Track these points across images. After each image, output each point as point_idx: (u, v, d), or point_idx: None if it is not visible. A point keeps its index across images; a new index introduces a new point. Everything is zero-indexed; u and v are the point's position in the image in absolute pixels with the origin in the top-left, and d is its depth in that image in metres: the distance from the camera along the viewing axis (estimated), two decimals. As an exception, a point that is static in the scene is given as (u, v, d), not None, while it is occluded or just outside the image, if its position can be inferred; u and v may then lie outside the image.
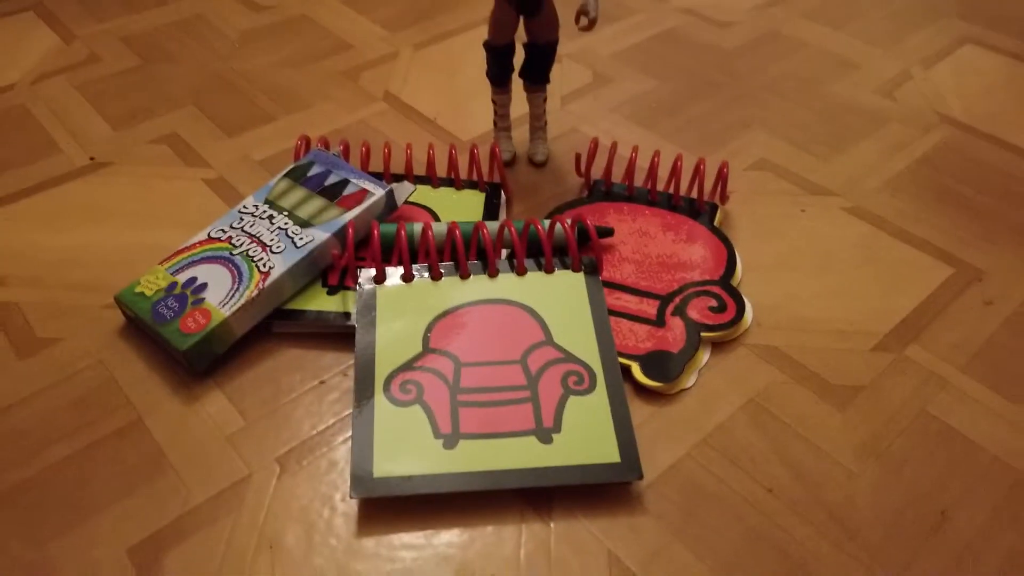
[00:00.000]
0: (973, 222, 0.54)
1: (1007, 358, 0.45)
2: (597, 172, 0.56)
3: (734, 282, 0.48)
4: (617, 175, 0.56)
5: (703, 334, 0.44)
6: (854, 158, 0.59)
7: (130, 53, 0.72)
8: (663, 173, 0.56)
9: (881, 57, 0.71)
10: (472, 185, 0.54)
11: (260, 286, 0.44)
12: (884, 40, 0.73)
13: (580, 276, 0.45)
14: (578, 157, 0.56)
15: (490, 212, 0.53)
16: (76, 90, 0.67)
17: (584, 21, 0.50)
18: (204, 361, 0.43)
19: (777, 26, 0.75)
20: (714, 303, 0.46)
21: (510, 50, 0.55)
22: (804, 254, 0.51)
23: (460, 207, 0.53)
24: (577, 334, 0.42)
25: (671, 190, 0.53)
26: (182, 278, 0.45)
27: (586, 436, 0.38)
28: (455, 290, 0.45)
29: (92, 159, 0.59)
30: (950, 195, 0.56)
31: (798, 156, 0.59)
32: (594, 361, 0.41)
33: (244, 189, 0.56)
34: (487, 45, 0.55)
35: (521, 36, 0.54)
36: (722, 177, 0.53)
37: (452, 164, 0.54)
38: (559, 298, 0.44)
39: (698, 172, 0.52)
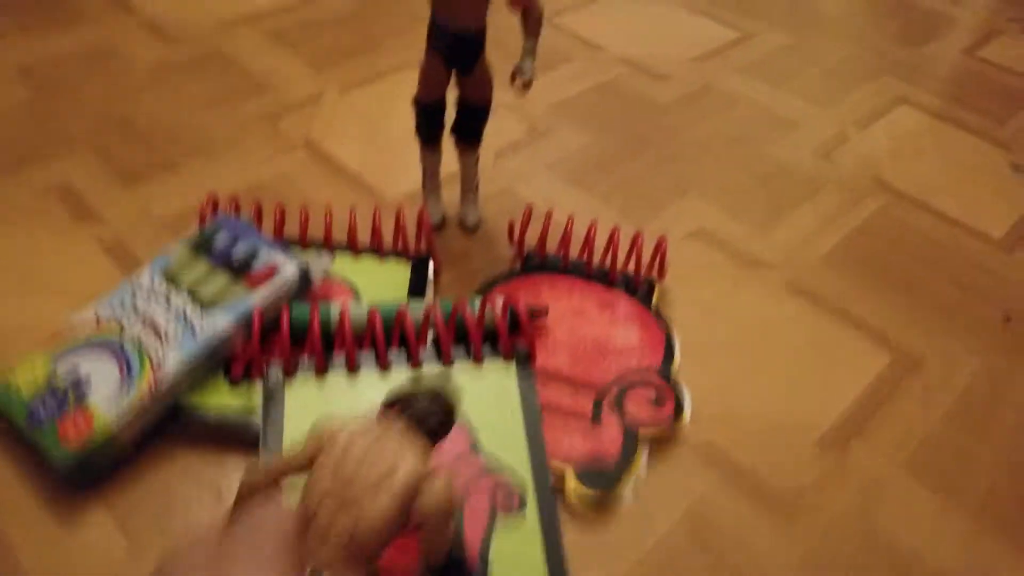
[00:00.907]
0: (908, 299, 0.53)
1: (950, 457, 0.43)
2: (531, 240, 0.53)
3: (672, 368, 0.45)
4: (552, 242, 0.53)
5: (641, 431, 0.41)
6: (791, 227, 0.58)
7: (22, 86, 0.65)
8: (600, 241, 0.53)
9: (817, 116, 0.70)
10: (398, 255, 0.51)
11: (152, 386, 0.39)
12: (821, 99, 0.72)
13: (512, 368, 0.42)
14: (511, 225, 0.52)
15: (417, 285, 0.49)
16: (-42, 128, 0.61)
17: (519, 81, 0.47)
18: (86, 478, 0.38)
19: (713, 80, 0.74)
20: (653, 395, 0.43)
21: (440, 107, 0.52)
22: (743, 334, 0.49)
23: (384, 280, 0.49)
24: (507, 439, 0.39)
25: (607, 263, 0.51)
26: (62, 368, 0.40)
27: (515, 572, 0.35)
28: (373, 387, 0.41)
29: (-29, 212, 0.53)
30: (886, 268, 0.55)
31: (735, 225, 0.57)
32: (525, 470, 0.38)
33: (141, 252, 0.51)
34: (416, 102, 0.51)
35: (454, 90, 0.51)
36: (660, 253, 0.50)
37: (376, 231, 0.51)
38: (488, 396, 0.40)
39: (635, 246, 0.50)
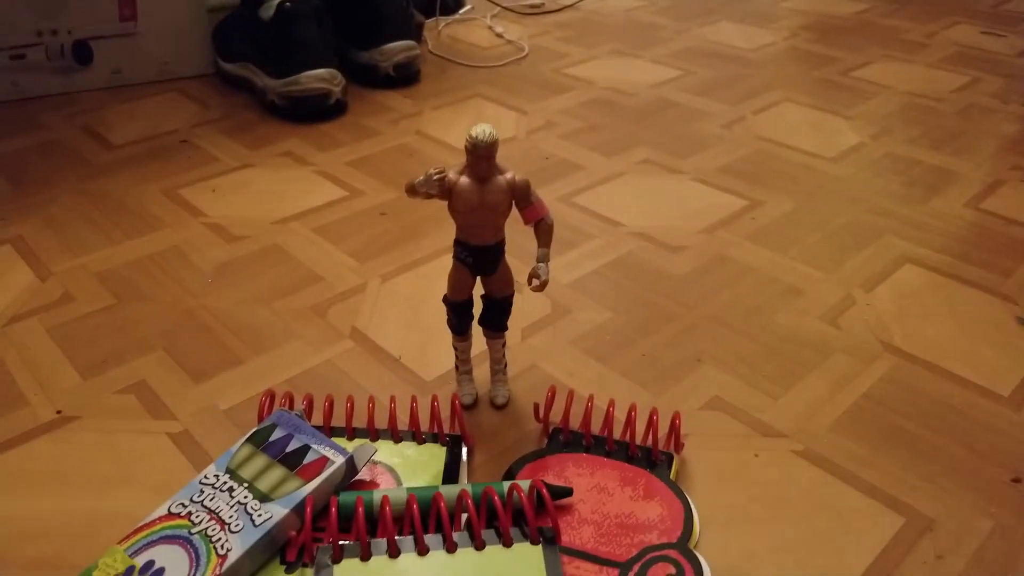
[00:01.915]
0: (919, 463, 0.56)
1: (964, 622, 0.45)
2: (556, 416, 0.58)
3: (691, 543, 0.49)
4: (575, 420, 0.57)
5: (661, 608, 0.44)
6: (802, 395, 0.62)
7: (104, 291, 0.74)
8: (620, 415, 0.57)
9: (823, 282, 0.75)
10: (434, 438, 0.56)
11: (217, 572, 0.44)
12: (825, 263, 0.78)
13: (538, 550, 0.46)
14: (536, 406, 0.57)
15: (451, 466, 0.54)
16: (48, 333, 0.69)
17: (536, 283, 0.54)
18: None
19: (724, 249, 0.80)
20: (673, 571, 0.46)
21: (468, 305, 0.58)
22: (758, 504, 0.52)
23: (421, 463, 0.54)
24: (534, 621, 0.42)
25: (627, 439, 0.55)
26: (140, 560, 0.45)
27: None
28: (413, 570, 0.45)
29: (59, 412, 0.60)
30: (896, 434, 0.58)
31: (749, 394, 0.61)
32: (551, 653, 0.41)
33: (208, 445, 0.57)
34: (446, 301, 0.58)
35: (480, 288, 0.57)
36: (675, 429, 0.54)
37: (413, 417, 0.56)
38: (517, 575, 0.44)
39: (651, 423, 0.54)
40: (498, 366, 0.61)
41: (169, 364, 0.65)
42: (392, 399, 0.57)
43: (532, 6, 1.57)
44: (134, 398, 0.62)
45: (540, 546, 0.46)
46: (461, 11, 1.53)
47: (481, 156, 0.51)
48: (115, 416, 0.60)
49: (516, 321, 0.67)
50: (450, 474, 0.53)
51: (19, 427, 0.59)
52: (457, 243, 0.55)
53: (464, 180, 0.52)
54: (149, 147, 1.02)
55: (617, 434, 0.56)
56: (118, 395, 0.62)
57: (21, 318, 0.71)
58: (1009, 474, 0.55)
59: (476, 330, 0.59)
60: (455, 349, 0.61)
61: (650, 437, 0.55)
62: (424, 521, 0.47)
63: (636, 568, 0.47)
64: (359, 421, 0.57)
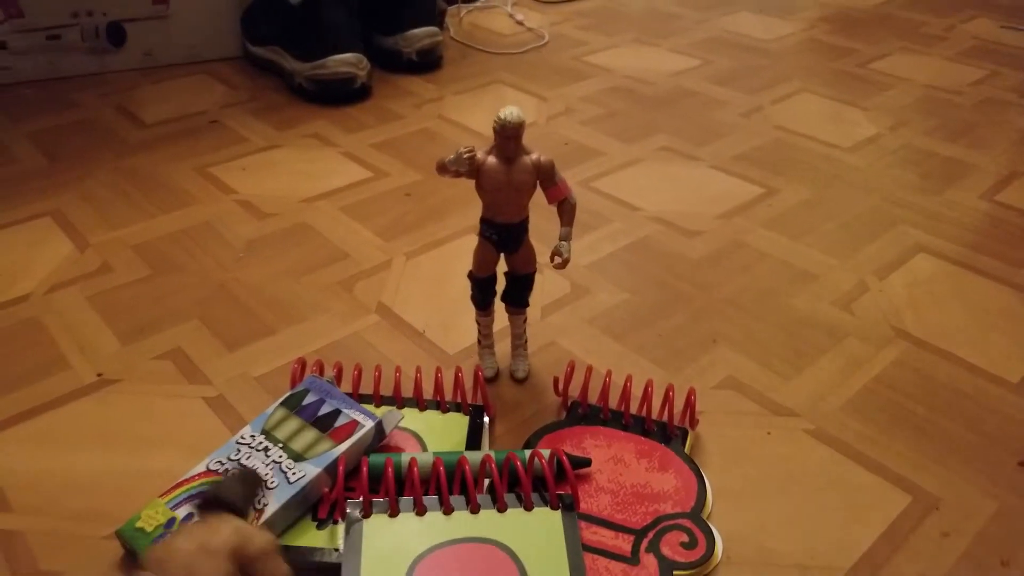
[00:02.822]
0: (927, 444, 0.57)
1: (964, 592, 0.47)
2: (575, 390, 0.60)
3: (704, 513, 0.51)
4: (594, 394, 0.59)
5: (675, 573, 0.47)
6: (814, 376, 0.63)
7: (141, 263, 0.77)
8: (636, 392, 0.59)
9: (837, 268, 0.77)
10: (457, 407, 0.58)
11: (255, 525, 0.47)
12: (840, 251, 0.79)
13: (558, 515, 0.48)
14: (556, 380, 0.60)
15: (473, 434, 0.56)
16: (88, 301, 0.71)
17: (558, 260, 0.56)
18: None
19: (740, 235, 0.82)
20: (685, 538, 0.49)
21: (492, 281, 0.60)
22: (770, 479, 0.54)
23: (445, 430, 0.56)
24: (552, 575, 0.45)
25: (643, 414, 0.57)
26: (181, 513, 0.48)
27: None
28: (438, 526, 0.47)
29: (100, 375, 0.63)
30: (905, 415, 0.60)
31: (762, 374, 0.63)
32: (569, 606, 0.43)
33: (241, 409, 0.60)
34: (471, 276, 0.60)
35: (503, 265, 0.60)
36: (690, 404, 0.56)
37: (438, 387, 0.58)
38: (537, 538, 0.47)
39: (667, 399, 0.56)
40: (519, 341, 0.63)
41: (204, 333, 0.67)
42: (418, 369, 0.59)
43: (554, -6, 1.58)
44: (171, 364, 0.64)
45: (559, 511, 0.48)
46: (484, -2, 1.55)
47: (509, 137, 0.53)
48: (153, 380, 0.63)
49: (536, 300, 0.69)
50: (473, 441, 0.55)
51: (62, 388, 0.62)
52: (483, 221, 0.58)
53: (491, 160, 0.55)
54: (180, 127, 1.05)
55: (633, 409, 0.58)
56: (156, 360, 0.64)
57: (62, 286, 0.73)
58: (1015, 457, 0.57)
59: (498, 307, 0.62)
60: (478, 324, 0.63)
61: (666, 412, 0.57)
62: (449, 483, 0.50)
63: (650, 535, 0.49)
64: (386, 389, 0.59)
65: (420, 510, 0.48)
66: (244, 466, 0.40)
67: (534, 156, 0.55)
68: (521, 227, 0.58)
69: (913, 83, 1.20)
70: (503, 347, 0.65)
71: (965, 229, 0.83)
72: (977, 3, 1.57)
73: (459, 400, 0.58)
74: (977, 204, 0.88)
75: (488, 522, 0.48)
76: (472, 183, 0.56)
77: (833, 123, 1.07)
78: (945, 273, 0.76)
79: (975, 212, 0.86)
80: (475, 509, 0.48)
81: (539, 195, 0.56)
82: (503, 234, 0.57)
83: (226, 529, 0.34)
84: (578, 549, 0.46)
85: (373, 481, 0.50)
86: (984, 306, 0.72)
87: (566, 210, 0.56)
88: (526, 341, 0.64)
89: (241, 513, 0.37)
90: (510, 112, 0.53)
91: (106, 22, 1.19)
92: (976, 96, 1.15)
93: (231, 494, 0.38)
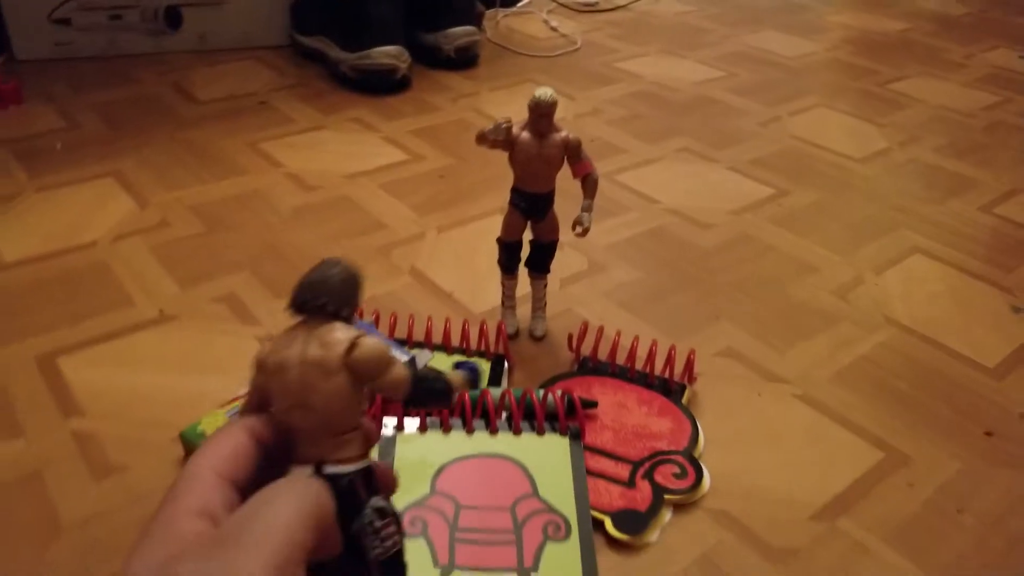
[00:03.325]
0: (905, 413, 0.63)
1: (924, 533, 0.53)
2: (586, 349, 0.66)
3: (696, 453, 0.57)
4: (603, 353, 0.66)
5: (666, 496, 0.53)
6: (806, 351, 0.69)
7: (197, 220, 0.84)
8: (642, 353, 0.66)
9: (838, 263, 0.82)
10: (480, 354, 0.65)
11: (300, 434, 0.53)
12: (841, 248, 0.85)
13: (565, 441, 0.54)
14: (570, 337, 0.66)
15: (495, 378, 0.62)
16: (149, 250, 0.79)
17: (579, 229, 0.62)
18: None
19: (750, 230, 0.88)
20: (677, 470, 0.55)
21: (518, 246, 0.67)
22: (757, 432, 0.60)
23: (469, 374, 0.62)
24: (559, 490, 0.51)
25: (647, 370, 0.63)
26: (234, 422, 0.55)
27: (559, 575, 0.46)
28: (461, 443, 0.54)
29: (161, 312, 0.70)
30: (887, 388, 0.66)
31: (758, 346, 0.69)
32: (571, 514, 0.50)
33: (287, 347, 0.66)
34: (500, 241, 0.67)
35: (529, 234, 0.66)
36: (689, 363, 0.63)
37: (465, 336, 0.65)
38: (546, 458, 0.53)
39: (670, 357, 0.63)
40: (539, 304, 0.70)
41: (254, 282, 0.75)
42: (447, 320, 0.66)
43: (586, 4, 1.65)
44: (225, 306, 0.71)
45: (567, 438, 0.55)
46: (519, 4, 1.63)
47: (542, 114, 0.60)
48: (209, 319, 0.70)
49: (556, 273, 0.75)
50: (494, 384, 0.62)
51: (128, 320, 0.69)
52: (514, 190, 0.64)
53: (525, 134, 0.61)
54: (232, 106, 1.13)
55: (639, 366, 0.64)
56: (211, 303, 0.72)
57: (125, 236, 0.81)
58: (983, 428, 0.62)
59: (522, 275, 0.68)
60: (503, 286, 0.69)
61: (667, 370, 0.63)
62: (472, 410, 0.56)
63: (646, 466, 0.55)
64: (418, 336, 0.66)
65: (446, 428, 0.55)
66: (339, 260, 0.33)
67: (563, 133, 0.62)
68: (548, 197, 0.64)
69: (928, 104, 1.25)
70: (524, 310, 0.71)
71: (962, 236, 0.89)
72: (1001, 33, 1.62)
73: (483, 348, 0.65)
74: (976, 215, 0.94)
75: (504, 442, 0.54)
76: (507, 158, 0.63)
77: (847, 136, 1.13)
78: (939, 273, 0.82)
79: (973, 222, 0.92)
80: (494, 431, 0.55)
81: (566, 180, 0.62)
82: (531, 203, 0.64)
83: (335, 339, 0.30)
84: (582, 470, 0.53)
85: (405, 403, 0.56)
86: (972, 303, 0.77)
87: (589, 184, 0.63)
88: (545, 304, 0.70)
89: (347, 318, 0.31)
90: (544, 92, 0.60)
91: (164, 5, 1.28)
92: (987, 119, 1.21)
93: (335, 295, 0.31)
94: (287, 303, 0.31)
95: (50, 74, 1.19)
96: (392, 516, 0.31)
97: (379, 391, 0.32)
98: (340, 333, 0.30)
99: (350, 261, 0.32)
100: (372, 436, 0.33)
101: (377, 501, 0.30)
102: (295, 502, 0.27)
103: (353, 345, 0.30)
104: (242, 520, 0.26)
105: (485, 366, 0.63)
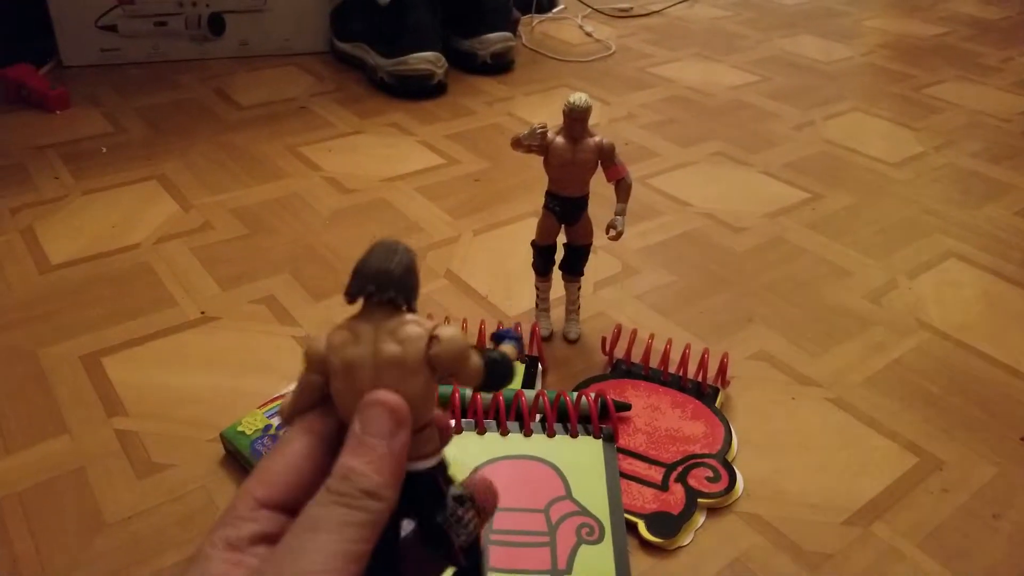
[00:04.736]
0: (939, 417, 0.63)
1: (958, 539, 0.53)
2: (620, 352, 0.67)
3: (729, 457, 0.57)
4: (636, 356, 0.66)
5: (700, 500, 0.53)
6: (839, 355, 0.69)
7: (238, 224, 0.86)
8: (675, 356, 0.66)
9: (872, 267, 0.82)
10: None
11: (339, 432, 0.55)
12: (875, 252, 0.85)
13: (599, 443, 0.55)
14: (604, 339, 0.67)
15: (528, 380, 0.63)
16: (191, 252, 0.81)
17: (612, 232, 0.63)
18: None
19: (783, 233, 0.88)
20: (711, 474, 0.55)
21: (552, 249, 0.68)
22: (791, 436, 0.61)
23: (503, 375, 0.63)
24: (593, 492, 0.52)
25: (680, 373, 0.64)
26: (276, 421, 0.56)
27: (594, 577, 0.47)
28: (496, 444, 0.55)
29: (203, 313, 0.72)
30: (920, 393, 0.66)
31: (792, 350, 0.70)
32: (604, 517, 0.50)
33: (326, 347, 0.68)
34: (534, 244, 0.68)
35: (563, 237, 0.67)
36: (723, 366, 0.63)
37: (499, 339, 0.66)
38: (580, 460, 0.54)
39: (703, 360, 0.63)
40: (572, 307, 0.71)
41: (293, 284, 0.76)
42: (482, 322, 0.67)
43: (621, 9, 1.66)
44: (265, 308, 0.73)
45: (601, 441, 0.55)
46: (554, 10, 1.64)
47: (576, 119, 0.61)
48: (250, 320, 0.71)
49: (589, 276, 0.76)
50: (528, 384, 0.63)
51: (171, 321, 0.71)
52: (548, 194, 0.65)
53: (559, 139, 0.62)
54: (272, 110, 1.15)
55: (672, 369, 0.65)
56: (252, 304, 0.73)
57: (169, 239, 0.83)
58: (1018, 434, 0.62)
59: (555, 277, 0.69)
60: (537, 289, 0.70)
61: (700, 373, 0.64)
62: (507, 412, 0.57)
63: (679, 469, 0.56)
64: (453, 339, 0.67)
65: (480, 430, 0.56)
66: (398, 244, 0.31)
67: (597, 138, 0.62)
68: (582, 201, 0.65)
69: (964, 108, 1.24)
70: (558, 312, 0.72)
71: (997, 241, 0.88)
72: (1037, 37, 1.60)
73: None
74: (1012, 220, 0.93)
75: (538, 444, 0.55)
76: (541, 162, 0.64)
77: (882, 140, 1.12)
78: (973, 277, 0.81)
79: (1009, 227, 0.91)
80: (528, 433, 0.56)
81: (600, 184, 0.63)
82: (565, 207, 0.65)
83: (410, 337, 0.28)
84: (615, 472, 0.53)
85: (440, 405, 0.58)
86: (1007, 308, 0.77)
87: (623, 188, 0.64)
88: (579, 307, 0.71)
89: (412, 307, 0.30)
90: (578, 97, 0.60)
91: (208, 12, 1.31)
92: (1024, 123, 1.20)
93: (403, 287, 0.30)
94: (345, 290, 0.30)
95: (96, 79, 1.23)
96: (470, 500, 0.30)
97: (454, 380, 0.30)
98: (416, 327, 0.29)
99: (406, 244, 0.30)
100: (446, 429, 0.32)
101: (454, 490, 0.30)
102: (336, 538, 0.25)
103: (433, 338, 0.29)
104: (281, 561, 0.25)
105: (519, 368, 0.64)
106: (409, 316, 0.31)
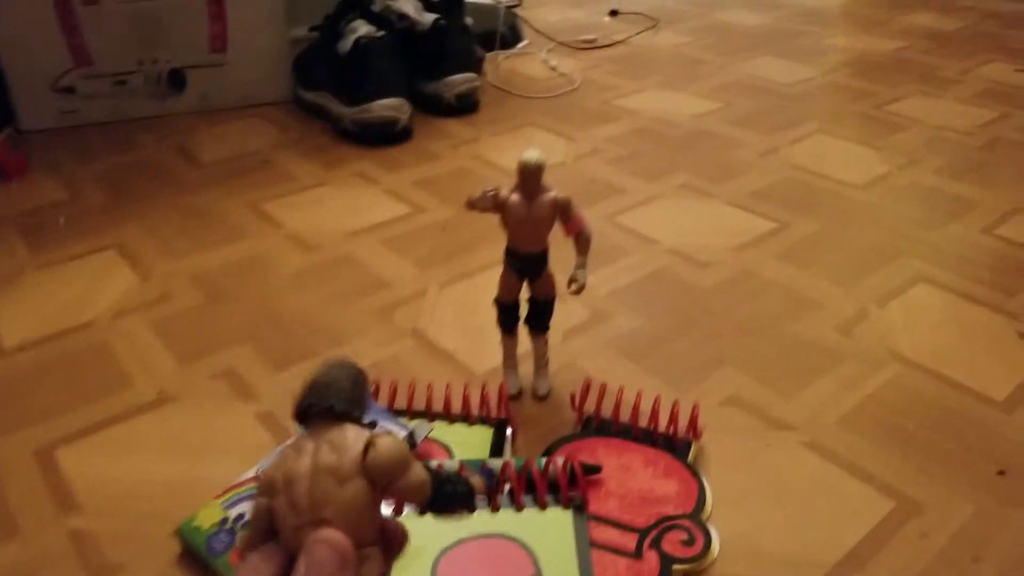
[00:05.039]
0: (914, 455, 0.62)
1: (941, 589, 0.52)
2: (591, 406, 0.66)
3: (704, 515, 0.56)
4: (607, 409, 0.65)
5: (675, 567, 0.52)
6: (813, 394, 0.68)
7: (198, 291, 0.84)
8: (647, 406, 0.65)
9: (841, 297, 0.82)
10: (483, 420, 0.64)
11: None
12: (844, 280, 0.84)
13: (569, 514, 0.54)
14: (572, 396, 0.66)
15: (497, 445, 0.62)
16: (149, 326, 0.79)
17: (574, 286, 0.62)
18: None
19: (751, 266, 0.87)
20: (685, 536, 0.54)
21: (516, 306, 0.67)
22: (766, 487, 0.59)
23: (471, 441, 0.62)
24: (563, 569, 0.50)
25: (652, 427, 0.63)
26: (233, 513, 0.54)
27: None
28: (461, 523, 0.53)
29: (160, 393, 0.70)
30: (895, 430, 0.65)
31: (764, 392, 0.69)
32: (577, 592, 0.49)
33: (289, 423, 0.66)
34: (497, 302, 0.67)
35: (526, 292, 0.66)
36: (694, 418, 0.62)
37: (466, 402, 0.64)
38: (550, 534, 0.52)
39: (673, 413, 0.62)
40: (540, 361, 0.69)
41: (255, 355, 0.75)
42: (448, 386, 0.66)
43: (585, 41, 1.66)
44: (225, 383, 0.71)
45: (571, 511, 0.54)
46: (519, 46, 1.64)
47: (529, 176, 0.60)
48: (208, 397, 0.70)
49: (558, 325, 0.74)
50: (496, 452, 0.61)
51: (126, 404, 0.69)
52: (507, 251, 0.64)
53: (515, 197, 0.61)
54: (234, 166, 1.14)
55: (643, 423, 0.64)
56: (211, 380, 0.72)
57: (126, 313, 0.81)
58: (995, 467, 0.61)
59: (522, 330, 0.68)
60: (503, 346, 0.69)
61: (672, 427, 0.62)
62: (473, 485, 0.56)
63: (653, 534, 0.54)
64: (418, 404, 0.66)
65: (446, 507, 0.54)
66: (343, 361, 0.31)
67: (553, 193, 0.62)
68: (542, 257, 0.64)
69: (925, 124, 1.25)
70: (526, 367, 0.71)
71: (964, 261, 0.88)
72: (995, 48, 1.61)
73: (485, 414, 0.64)
74: (978, 238, 0.92)
75: (506, 520, 0.53)
76: (498, 218, 0.63)
77: (846, 162, 1.12)
78: (942, 301, 0.81)
79: (975, 245, 0.91)
80: (495, 508, 0.54)
81: (559, 230, 0.62)
82: (526, 263, 0.64)
83: (348, 445, 0.28)
84: (586, 544, 0.52)
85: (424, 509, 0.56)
86: (976, 332, 0.76)
87: (582, 241, 0.63)
88: (547, 362, 0.70)
89: (358, 420, 0.30)
90: (531, 155, 0.60)
91: (168, 68, 1.30)
92: (985, 137, 1.20)
93: (343, 396, 0.30)
94: (293, 413, 0.30)
95: (55, 143, 1.21)
96: None
97: (397, 496, 0.30)
98: (353, 433, 0.29)
99: (351, 360, 0.31)
100: (398, 541, 0.31)
101: None
102: None
103: (369, 445, 0.28)
104: None
105: (487, 433, 0.63)
106: (351, 426, 0.30)
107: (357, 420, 0.30)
